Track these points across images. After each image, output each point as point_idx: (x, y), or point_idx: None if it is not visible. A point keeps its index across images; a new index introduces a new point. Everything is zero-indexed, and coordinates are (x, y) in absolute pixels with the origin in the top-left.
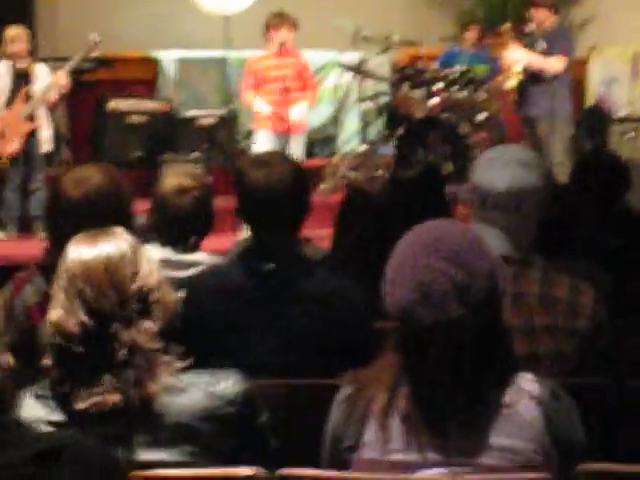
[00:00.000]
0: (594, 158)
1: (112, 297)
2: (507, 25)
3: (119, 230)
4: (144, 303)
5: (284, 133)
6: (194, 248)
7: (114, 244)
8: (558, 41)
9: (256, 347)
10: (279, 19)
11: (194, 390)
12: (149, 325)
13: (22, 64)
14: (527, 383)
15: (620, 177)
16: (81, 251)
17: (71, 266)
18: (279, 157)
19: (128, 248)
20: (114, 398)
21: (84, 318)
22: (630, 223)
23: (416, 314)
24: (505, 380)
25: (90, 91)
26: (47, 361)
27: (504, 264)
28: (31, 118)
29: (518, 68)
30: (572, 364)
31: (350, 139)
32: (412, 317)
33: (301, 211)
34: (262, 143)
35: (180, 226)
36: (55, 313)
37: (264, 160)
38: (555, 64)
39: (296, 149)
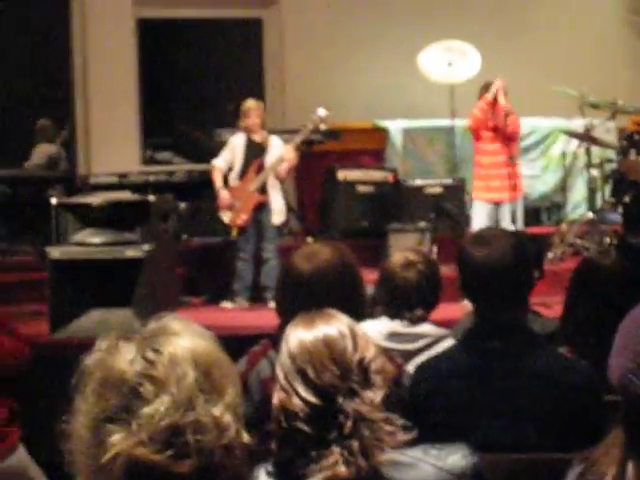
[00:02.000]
0: None
1: (334, 371)
2: None
3: (334, 312)
4: (365, 374)
5: (498, 202)
6: (421, 320)
7: (331, 324)
8: None
9: (484, 426)
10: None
11: (422, 465)
12: (372, 395)
13: (257, 137)
14: None
15: None
16: (299, 333)
17: (291, 348)
18: (500, 233)
19: (345, 327)
20: (344, 471)
21: (307, 396)
22: None
23: (631, 384)
24: None
25: (319, 162)
26: (273, 445)
27: None
28: (262, 190)
29: None
30: None
31: (577, 206)
32: (628, 387)
33: (525, 286)
34: (477, 214)
35: (407, 299)
36: (277, 396)
37: (485, 237)
38: None
39: (509, 217)
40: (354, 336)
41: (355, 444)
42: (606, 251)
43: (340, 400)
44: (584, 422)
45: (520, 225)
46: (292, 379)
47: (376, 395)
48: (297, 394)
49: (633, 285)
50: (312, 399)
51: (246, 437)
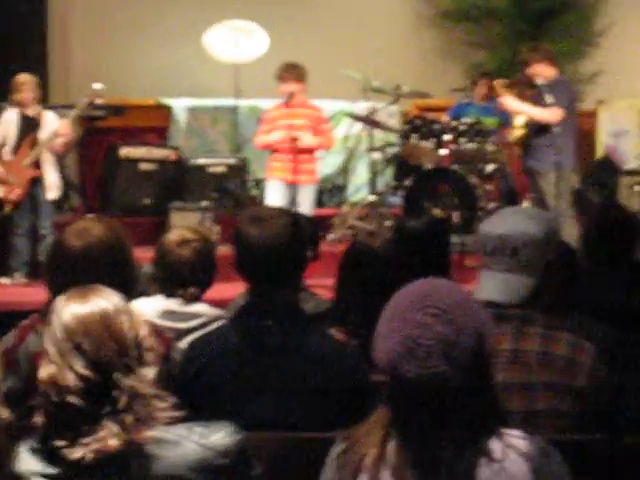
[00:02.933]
0: (604, 214)
1: (111, 347)
2: (498, 82)
3: (105, 288)
4: (139, 350)
5: (294, 183)
6: (195, 299)
7: (105, 298)
8: (555, 92)
9: (253, 405)
10: (286, 72)
11: (186, 442)
12: (145, 372)
13: (30, 111)
14: (515, 439)
15: (630, 233)
16: (73, 307)
17: (64, 321)
18: (275, 212)
19: (118, 301)
20: (113, 444)
21: (83, 370)
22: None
23: (401, 367)
24: (493, 436)
25: (102, 138)
26: (38, 418)
27: (502, 320)
28: (36, 165)
29: (520, 121)
30: (569, 422)
31: (359, 189)
32: (397, 370)
33: (298, 266)
34: (273, 193)
35: (180, 277)
36: (47, 370)
37: (260, 215)
38: (547, 115)
39: (306, 199)
40: (128, 313)
41: (128, 419)
42: (374, 233)
43: (116, 376)
44: (352, 403)
45: (310, 207)
46: (66, 353)
47: (149, 372)
48: (71, 368)
49: (402, 267)
50: (88, 373)
51: (5, 413)
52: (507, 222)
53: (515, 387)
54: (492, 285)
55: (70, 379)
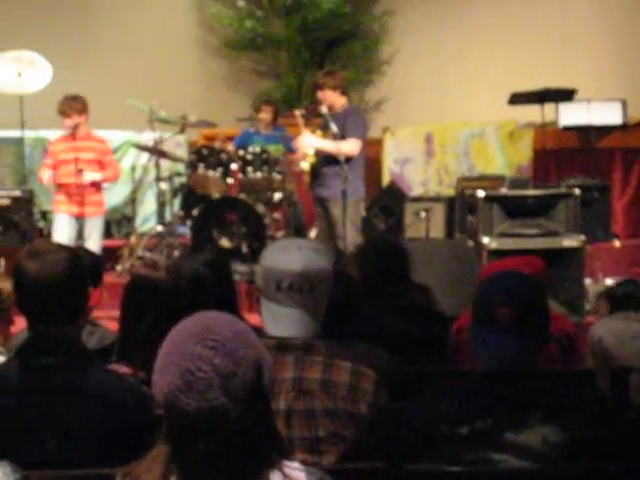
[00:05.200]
0: (371, 245)
1: None
2: (299, 111)
3: None
4: None
5: (80, 216)
6: None
7: None
8: (349, 122)
9: (35, 445)
10: (67, 106)
11: None
12: None
13: None
14: (295, 471)
15: (398, 261)
16: None
17: None
18: (54, 246)
19: None
20: None
21: None
22: (413, 305)
23: (179, 401)
24: (273, 468)
25: None
26: None
27: (284, 350)
28: None
29: (311, 150)
30: (352, 448)
31: (147, 219)
32: (175, 404)
33: (78, 301)
34: (59, 227)
35: None
36: None
37: (37, 250)
38: (349, 148)
39: (94, 231)
40: None
41: None
42: (157, 264)
43: None
44: (135, 439)
45: (98, 239)
46: None
47: None
48: None
49: (183, 299)
50: None
51: None
52: (300, 258)
53: (297, 415)
54: (288, 322)
55: None
